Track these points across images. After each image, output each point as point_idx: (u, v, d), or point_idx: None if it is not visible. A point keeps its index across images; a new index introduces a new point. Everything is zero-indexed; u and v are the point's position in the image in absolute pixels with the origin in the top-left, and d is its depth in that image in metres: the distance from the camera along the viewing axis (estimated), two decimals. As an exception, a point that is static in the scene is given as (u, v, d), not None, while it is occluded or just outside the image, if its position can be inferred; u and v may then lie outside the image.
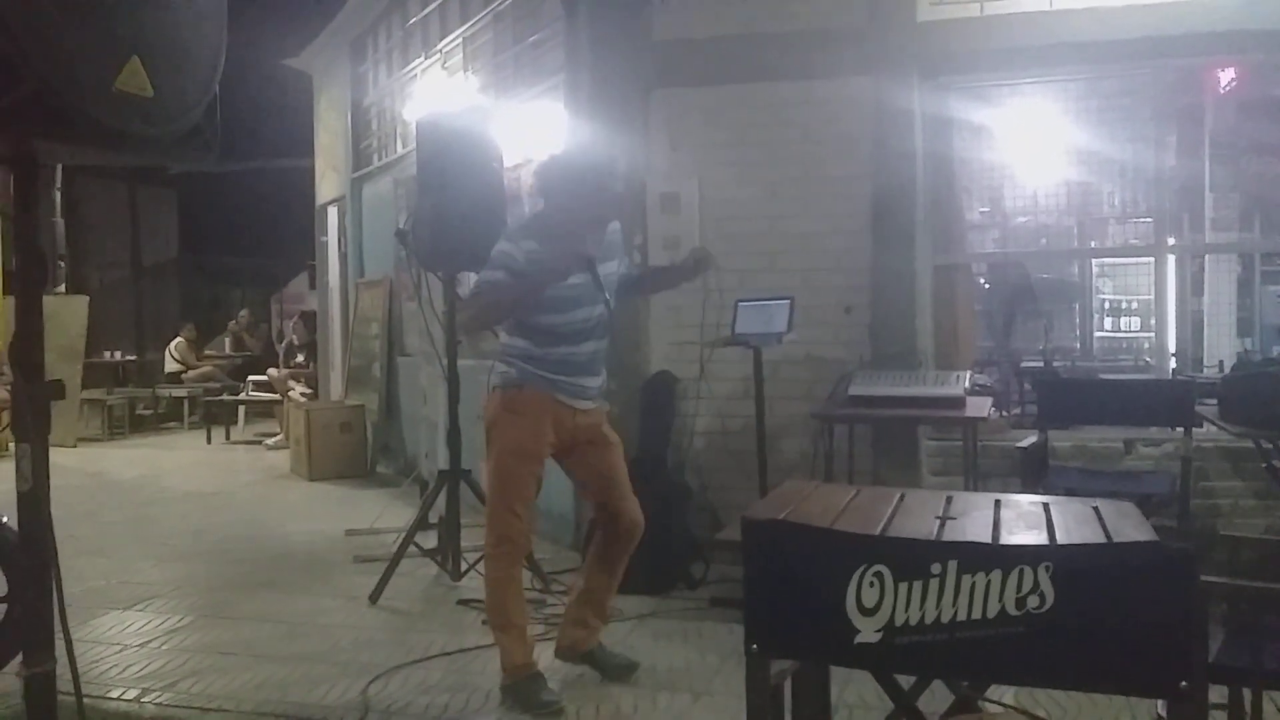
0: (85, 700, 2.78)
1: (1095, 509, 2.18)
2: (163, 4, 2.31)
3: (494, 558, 3.87)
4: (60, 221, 12.99)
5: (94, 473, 9.80)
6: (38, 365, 2.43)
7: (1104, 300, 9.24)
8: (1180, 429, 4.83)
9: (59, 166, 11.97)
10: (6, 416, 7.51)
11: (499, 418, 3.82)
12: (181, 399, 13.56)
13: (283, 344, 13.06)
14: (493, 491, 3.87)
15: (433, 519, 5.54)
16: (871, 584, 1.78)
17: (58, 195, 13.06)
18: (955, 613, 1.72)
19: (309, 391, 11.66)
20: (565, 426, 3.85)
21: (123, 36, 2.22)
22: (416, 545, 5.37)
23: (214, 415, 12.55)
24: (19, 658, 2.51)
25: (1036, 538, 1.99)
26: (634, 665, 4.03)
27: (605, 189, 3.86)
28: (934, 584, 1.74)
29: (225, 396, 12.86)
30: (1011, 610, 1.70)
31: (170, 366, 13.76)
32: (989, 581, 1.71)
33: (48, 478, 2.45)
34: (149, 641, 4.58)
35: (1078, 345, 9.02)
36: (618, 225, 3.98)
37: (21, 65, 2.05)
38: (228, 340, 14.90)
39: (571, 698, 3.83)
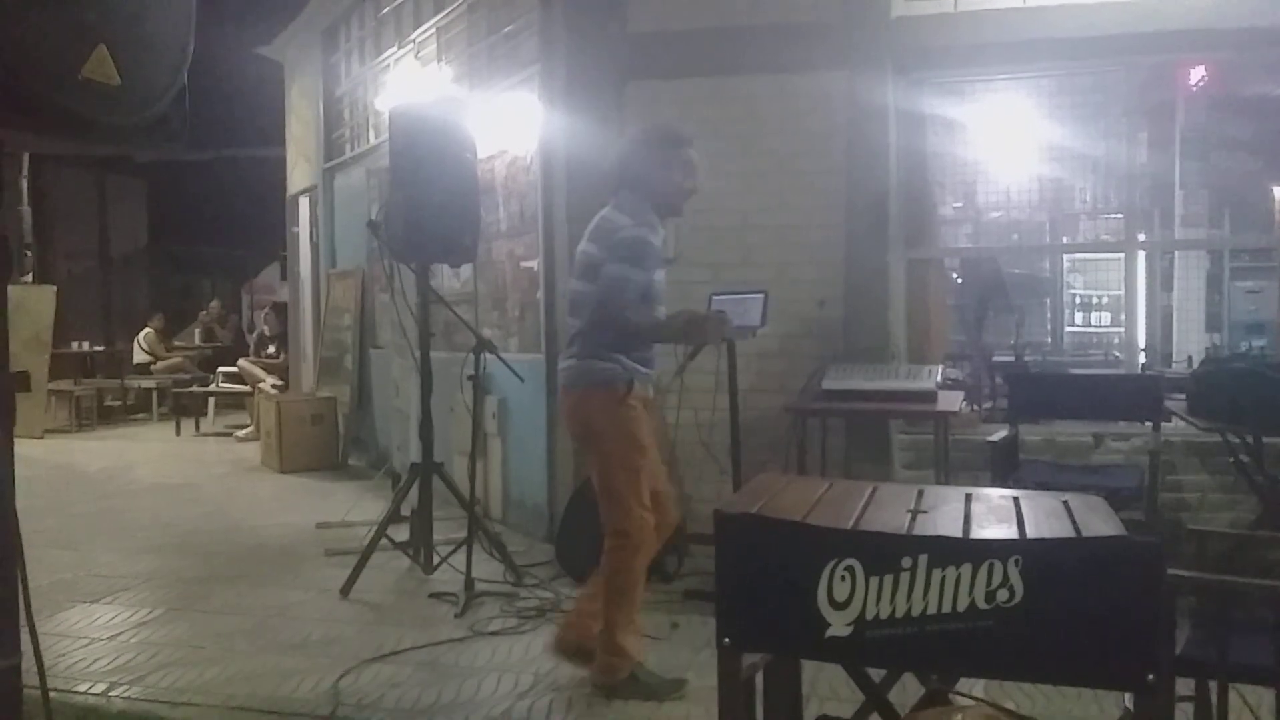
0: (52, 694, 2.75)
1: (1065, 503, 2.19)
2: (130, -9, 2.28)
3: (630, 558, 3.72)
4: (27, 210, 12.84)
5: (61, 464, 9.70)
6: (2, 357, 2.40)
7: (1075, 295, 9.31)
8: (1149, 423, 4.88)
9: (25, 154, 11.82)
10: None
11: (615, 414, 3.71)
12: (150, 390, 13.44)
13: (253, 335, 12.98)
14: (622, 488, 3.72)
15: (405, 512, 5.53)
16: (843, 578, 1.78)
17: (24, 183, 12.90)
18: (926, 606, 1.73)
19: (280, 383, 11.59)
20: (649, 413, 3.89)
21: (89, 24, 2.19)
22: (388, 538, 5.35)
23: (183, 407, 12.44)
24: (-17, 652, 2.47)
25: (1006, 532, 2.00)
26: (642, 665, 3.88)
27: (692, 188, 3.89)
28: (905, 578, 1.74)
29: (195, 388, 12.76)
30: (981, 604, 1.71)
31: (139, 357, 13.64)
32: (959, 575, 1.72)
33: (13, 470, 2.41)
34: (117, 635, 4.54)
35: (1049, 340, 9.08)
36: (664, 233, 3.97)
37: (-15, 51, 2.02)
38: (198, 331, 14.80)
39: (544, 692, 3.83)
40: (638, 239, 3.70)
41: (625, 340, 3.73)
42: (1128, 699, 1.87)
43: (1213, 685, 2.54)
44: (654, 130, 3.97)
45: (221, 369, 12.81)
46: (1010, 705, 3.34)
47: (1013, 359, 7.10)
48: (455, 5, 7.49)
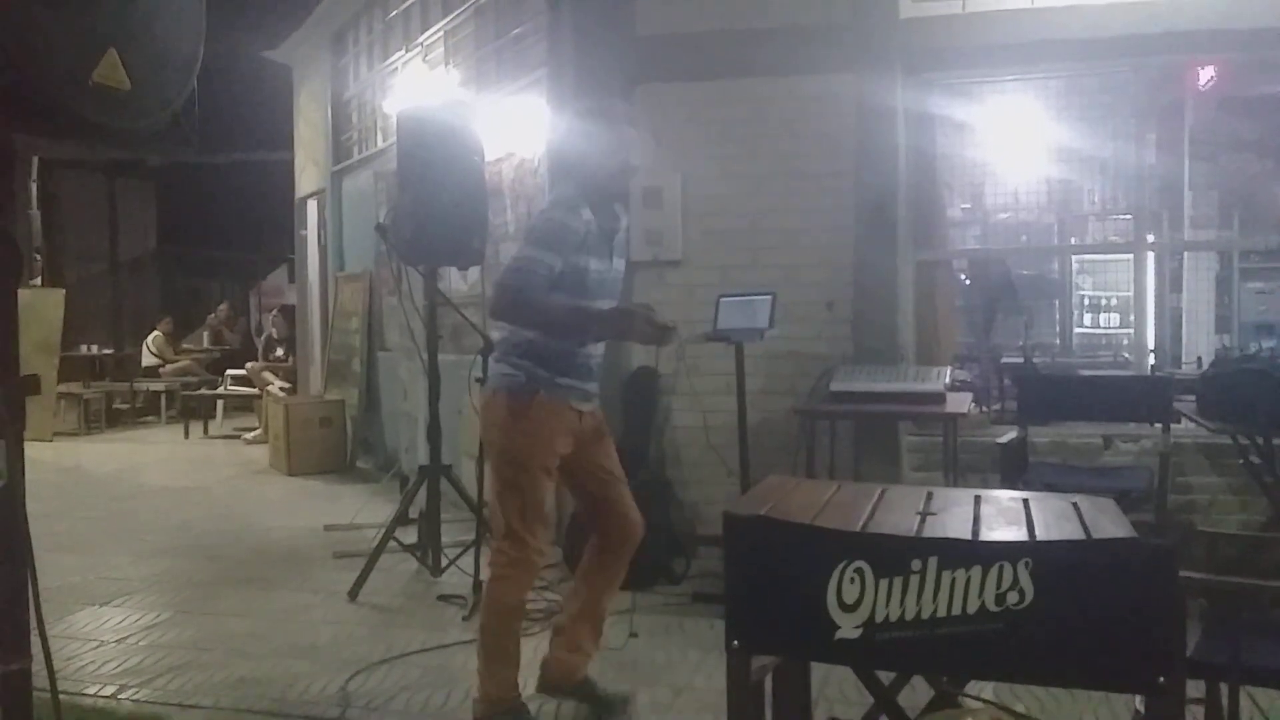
0: (61, 697, 2.75)
1: (1074, 505, 2.19)
2: (140, -4, 2.29)
3: (504, 579, 3.46)
4: (37, 214, 12.89)
5: (70, 467, 9.73)
6: (12, 361, 2.40)
7: (1084, 297, 9.26)
8: (1158, 425, 4.85)
9: (35, 158, 11.86)
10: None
11: (507, 426, 3.41)
12: (159, 393, 13.48)
13: (262, 338, 13.00)
14: (506, 507, 3.45)
15: (413, 514, 5.54)
16: (852, 580, 1.78)
17: (34, 187, 12.95)
18: (935, 609, 1.73)
19: (288, 386, 11.61)
20: (574, 431, 3.50)
21: (100, 28, 2.20)
22: (396, 540, 5.35)
23: (192, 409, 12.47)
24: (-7, 655, 2.48)
25: (1016, 534, 1.99)
26: (628, 697, 3.72)
27: (627, 167, 3.54)
28: (914, 580, 1.74)
29: (203, 391, 12.79)
30: (991, 606, 1.71)
31: (148, 360, 13.67)
32: (969, 578, 1.71)
33: (23, 474, 2.42)
34: (126, 637, 4.55)
35: (1057, 341, 9.04)
36: (626, 222, 3.68)
37: (-4, 56, 2.03)
38: (206, 334, 14.81)
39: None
40: (549, 220, 3.39)
41: (534, 328, 3.40)
42: (1138, 701, 1.87)
43: (1224, 687, 2.53)
44: (581, 109, 3.68)
45: (230, 372, 12.84)
46: (1020, 708, 3.34)
47: (1021, 360, 7.07)
48: (463, 9, 7.50)
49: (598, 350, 3.56)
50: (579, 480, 3.67)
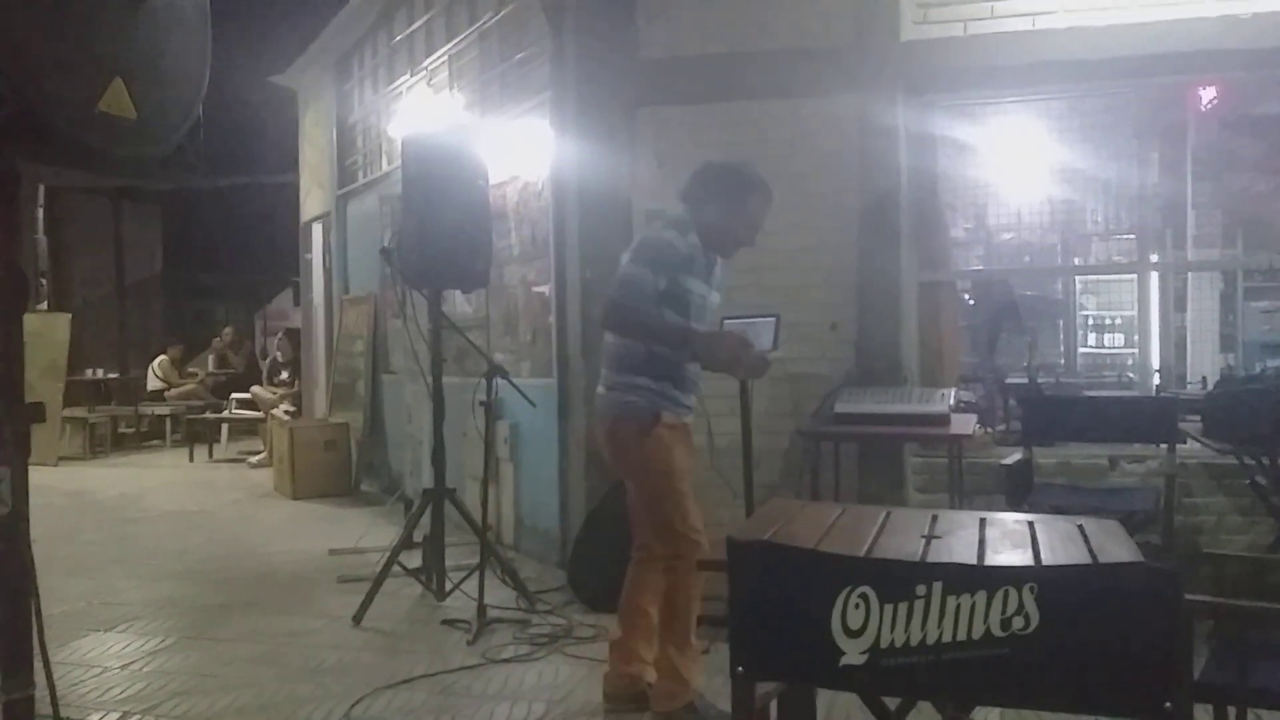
0: (65, 724, 2.75)
1: (1080, 527, 2.18)
2: (146, 25, 2.31)
3: (684, 582, 3.72)
4: (43, 239, 12.94)
5: (75, 492, 9.73)
6: (18, 387, 2.41)
7: (1088, 317, 9.28)
8: (1164, 445, 4.84)
9: (41, 186, 11.92)
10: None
11: (642, 446, 3.69)
12: (164, 417, 13.50)
13: (266, 361, 13.01)
14: (666, 518, 3.69)
15: (417, 538, 5.52)
16: (857, 605, 1.77)
17: (40, 212, 13.01)
18: (940, 634, 1.72)
19: (293, 409, 11.61)
20: (685, 444, 3.83)
21: (105, 58, 2.22)
22: (401, 565, 5.34)
23: (197, 433, 12.48)
24: (-3, 682, 2.48)
25: (1021, 558, 1.99)
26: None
27: (746, 205, 3.80)
28: (919, 605, 1.73)
29: (208, 414, 12.80)
30: (996, 631, 1.70)
31: (153, 384, 13.68)
32: (974, 603, 1.71)
33: (27, 501, 2.42)
34: (130, 663, 4.54)
35: (1062, 362, 9.05)
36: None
37: (3, 86, 2.04)
38: (211, 358, 14.83)
39: (560, 719, 3.81)
40: (658, 240, 3.70)
41: (626, 335, 3.67)
42: (1146, 726, 1.86)
43: (1231, 711, 2.51)
44: (725, 168, 3.89)
45: (235, 395, 12.86)
46: (1027, 732, 3.32)
47: (1026, 381, 7.07)
48: (467, 33, 7.54)
49: (695, 368, 3.82)
50: None
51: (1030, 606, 1.68)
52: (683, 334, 3.66)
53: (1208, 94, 7.06)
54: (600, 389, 3.84)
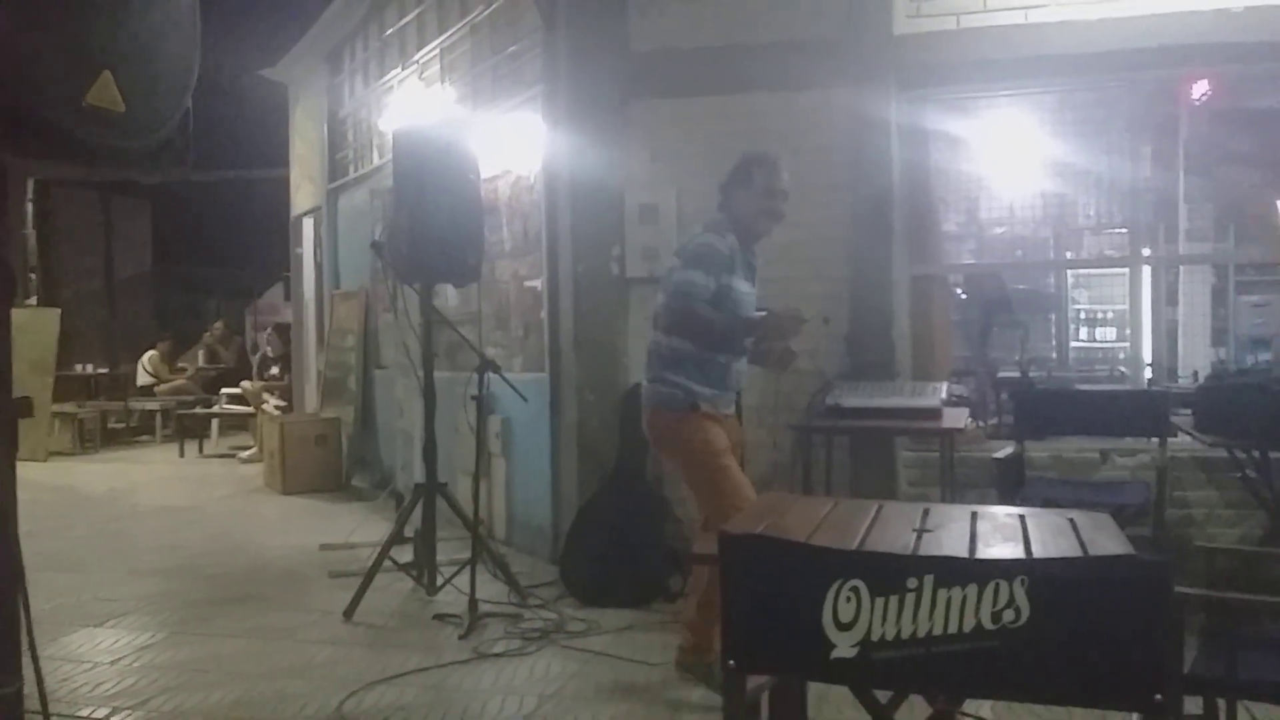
0: (54, 719, 2.74)
1: (1071, 521, 2.19)
2: (134, 18, 2.29)
3: None
4: (32, 233, 12.88)
5: (65, 487, 9.70)
6: (6, 382, 2.40)
7: (1080, 311, 9.27)
8: (1155, 439, 4.85)
9: (30, 179, 11.87)
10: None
11: (681, 434, 3.91)
12: (154, 412, 13.45)
13: (257, 356, 12.98)
14: (716, 497, 3.85)
15: (408, 533, 5.51)
16: (848, 599, 1.77)
17: (29, 206, 12.95)
18: (932, 627, 1.72)
19: (283, 404, 11.58)
20: (724, 431, 3.98)
21: (94, 50, 2.20)
22: (392, 560, 5.33)
23: (187, 428, 12.44)
24: (-15, 678, 2.47)
25: (1012, 551, 1.99)
26: None
27: (753, 180, 4.02)
28: (910, 598, 1.73)
29: (198, 409, 12.76)
30: (987, 624, 1.70)
31: (143, 379, 13.65)
32: (965, 596, 1.70)
33: (15, 495, 2.41)
34: (120, 659, 4.52)
35: (1054, 355, 9.04)
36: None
37: (-11, 78, 2.03)
38: (201, 352, 14.79)
39: (549, 714, 3.81)
40: (702, 244, 3.92)
41: (700, 340, 3.87)
42: (1136, 719, 1.86)
43: (1221, 703, 2.52)
44: (741, 157, 4.12)
45: (225, 390, 12.82)
46: (1019, 725, 3.32)
47: (1018, 375, 7.07)
48: (458, 26, 7.52)
49: (741, 365, 4.04)
50: None
51: (1021, 599, 1.68)
52: (746, 324, 3.94)
53: (1200, 88, 7.06)
54: (644, 382, 4.09)
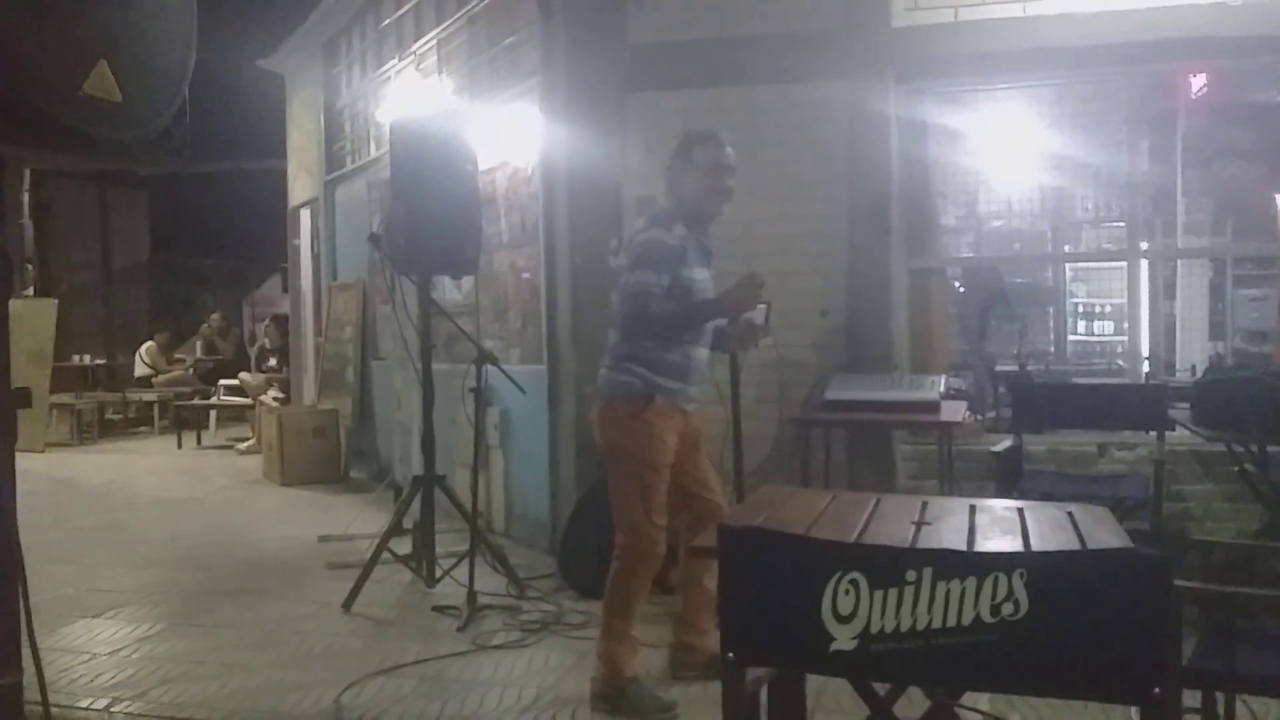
0: (53, 710, 2.74)
1: (1069, 514, 2.19)
2: (131, 8, 2.28)
3: (630, 571, 3.77)
4: (29, 223, 12.84)
5: (62, 478, 9.70)
6: (4, 373, 2.39)
7: (1077, 304, 9.29)
8: (1153, 433, 4.86)
9: (26, 168, 11.83)
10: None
11: (627, 427, 3.75)
12: (152, 403, 13.44)
13: (254, 347, 12.97)
14: (629, 503, 3.75)
15: (407, 525, 5.51)
16: (847, 591, 1.77)
17: (26, 197, 12.90)
18: (930, 620, 1.72)
19: (281, 396, 11.58)
20: (681, 431, 3.86)
21: (90, 41, 2.20)
22: (390, 551, 5.33)
23: (185, 420, 12.44)
24: (-16, 669, 2.47)
25: (1011, 544, 1.99)
26: None
27: (721, 190, 3.87)
28: (909, 591, 1.73)
29: (196, 401, 12.76)
30: (986, 617, 1.70)
31: (140, 370, 13.63)
32: (964, 589, 1.71)
33: (14, 486, 2.41)
34: (119, 650, 4.53)
35: (1052, 349, 9.06)
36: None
37: (-14, 68, 2.02)
38: (199, 344, 14.78)
39: (548, 706, 3.81)
40: (647, 241, 3.75)
41: (664, 339, 3.75)
42: (1134, 712, 1.86)
43: (1220, 697, 2.52)
44: (681, 137, 3.95)
45: (223, 382, 12.81)
46: (1016, 719, 3.33)
47: (1016, 368, 7.08)
48: (456, 17, 7.50)
49: (703, 355, 3.91)
50: (679, 476, 3.91)
51: (1020, 592, 1.68)
52: (706, 308, 3.81)
53: (1198, 81, 7.07)
54: (601, 370, 3.91)
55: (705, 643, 3.95)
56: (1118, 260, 6.49)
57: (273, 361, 12.20)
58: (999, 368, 7.20)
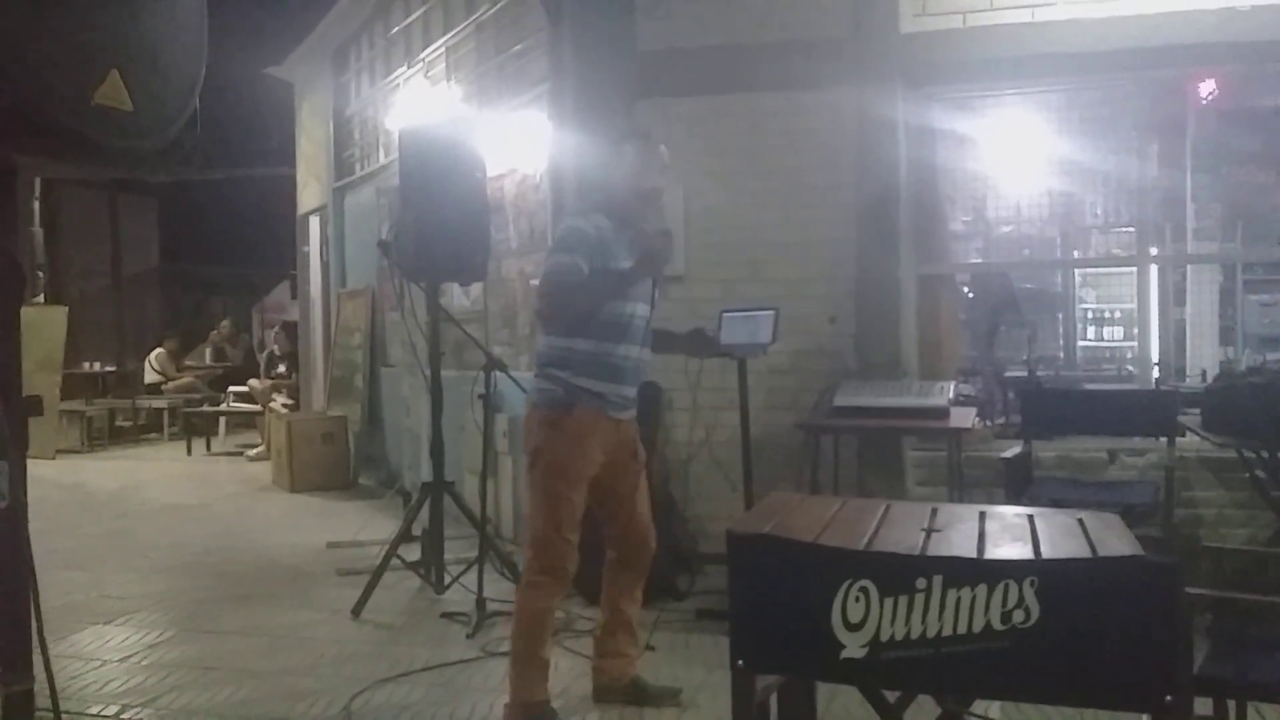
0: (64, 716, 2.75)
1: (1080, 521, 2.18)
2: (142, 17, 2.29)
3: (536, 585, 3.60)
4: (39, 231, 12.90)
5: (73, 485, 9.72)
6: (15, 380, 2.40)
7: (1087, 310, 9.26)
8: (1163, 439, 4.84)
9: (37, 178, 11.89)
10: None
11: (545, 437, 3.56)
12: (161, 410, 13.47)
13: (264, 354, 13.00)
14: (541, 516, 3.59)
15: (416, 531, 5.52)
16: (857, 599, 1.77)
17: (37, 205, 12.97)
18: (941, 627, 1.72)
19: (290, 402, 11.60)
20: (610, 442, 3.65)
21: (101, 49, 2.21)
22: (399, 558, 5.34)
23: (194, 426, 12.47)
24: (-4, 675, 2.48)
25: (1021, 551, 1.98)
26: (677, 691, 3.86)
27: (648, 190, 3.68)
28: (919, 599, 1.73)
29: (206, 407, 12.79)
30: (997, 625, 1.69)
31: (150, 377, 13.67)
32: (974, 596, 1.70)
33: (25, 494, 2.42)
34: (129, 656, 4.53)
35: (1061, 355, 9.03)
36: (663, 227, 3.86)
37: (-1, 78, 2.03)
38: (208, 350, 14.81)
39: (559, 711, 3.80)
40: (567, 229, 3.57)
41: (582, 313, 3.50)
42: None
43: (1231, 704, 2.51)
44: (617, 131, 3.81)
45: (232, 388, 12.84)
46: (1026, 725, 3.32)
47: (1025, 374, 7.06)
48: (464, 25, 7.53)
49: (635, 353, 3.64)
50: (603, 491, 3.74)
51: (1030, 600, 1.68)
52: (620, 275, 3.52)
53: (1207, 87, 7.05)
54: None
55: (624, 668, 3.86)
56: (1127, 266, 6.50)
57: (282, 368, 12.22)
58: (1008, 373, 7.18)
